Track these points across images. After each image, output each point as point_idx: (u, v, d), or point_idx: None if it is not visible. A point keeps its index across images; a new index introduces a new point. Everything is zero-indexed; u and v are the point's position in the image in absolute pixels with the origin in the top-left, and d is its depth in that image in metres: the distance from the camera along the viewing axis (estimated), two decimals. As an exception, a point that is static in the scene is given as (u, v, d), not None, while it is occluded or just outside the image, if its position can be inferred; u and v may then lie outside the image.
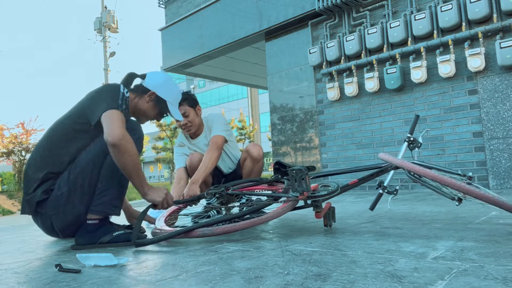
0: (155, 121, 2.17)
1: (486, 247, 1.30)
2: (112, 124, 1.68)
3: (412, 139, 2.00)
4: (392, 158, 1.80)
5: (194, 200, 2.22)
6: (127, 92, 1.88)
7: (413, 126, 2.06)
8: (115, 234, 1.71)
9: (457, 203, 1.66)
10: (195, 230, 1.67)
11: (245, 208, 1.97)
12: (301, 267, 1.15)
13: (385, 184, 2.01)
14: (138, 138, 1.84)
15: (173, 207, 2.23)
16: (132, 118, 2.02)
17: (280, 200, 1.89)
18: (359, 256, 1.26)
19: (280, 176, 2.22)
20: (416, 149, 2.01)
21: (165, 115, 2.10)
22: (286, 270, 1.13)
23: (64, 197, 1.70)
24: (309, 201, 1.83)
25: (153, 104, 2.01)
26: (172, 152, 18.62)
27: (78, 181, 1.70)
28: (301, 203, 1.87)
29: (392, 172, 2.17)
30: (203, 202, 2.36)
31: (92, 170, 1.72)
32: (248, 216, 1.79)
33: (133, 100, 1.99)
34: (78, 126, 1.77)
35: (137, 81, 2.07)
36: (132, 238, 1.69)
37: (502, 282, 0.91)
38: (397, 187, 1.99)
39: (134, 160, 1.69)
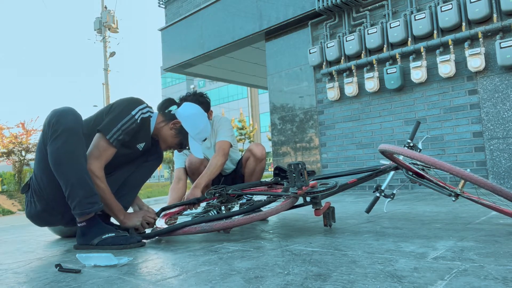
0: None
1: (486, 247, 1.30)
2: (90, 154, 1.74)
3: (412, 144, 2.01)
4: (393, 146, 1.80)
5: (191, 204, 2.21)
6: (146, 112, 1.87)
7: (413, 132, 2.08)
8: (103, 237, 1.67)
9: (453, 199, 1.67)
10: (195, 226, 1.68)
11: (245, 207, 1.97)
12: (301, 267, 1.15)
13: (383, 187, 2.02)
14: (152, 164, 2.04)
15: (175, 209, 2.24)
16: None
17: (279, 199, 1.89)
18: (359, 256, 1.26)
19: (279, 179, 2.23)
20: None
21: (186, 148, 2.07)
22: (286, 270, 1.13)
23: (31, 191, 1.78)
24: (308, 199, 1.83)
25: (174, 133, 2.00)
26: (172, 152, 18.62)
27: (38, 181, 1.74)
28: (300, 200, 1.87)
29: (391, 173, 2.17)
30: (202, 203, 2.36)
31: (41, 176, 1.73)
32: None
33: (159, 124, 1.99)
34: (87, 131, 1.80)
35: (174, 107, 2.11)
36: (121, 241, 1.68)
37: (502, 282, 0.91)
38: (395, 191, 2.00)
39: (102, 195, 1.74)
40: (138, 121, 1.82)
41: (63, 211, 1.74)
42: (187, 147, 2.05)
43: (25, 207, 1.83)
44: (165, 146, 2.04)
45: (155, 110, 2.04)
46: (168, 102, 2.08)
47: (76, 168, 1.63)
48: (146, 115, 1.87)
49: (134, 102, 1.85)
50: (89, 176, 1.68)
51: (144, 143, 1.94)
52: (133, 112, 1.81)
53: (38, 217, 1.80)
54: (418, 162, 1.89)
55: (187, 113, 2.03)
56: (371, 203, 2.21)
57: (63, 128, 1.62)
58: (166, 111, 2.05)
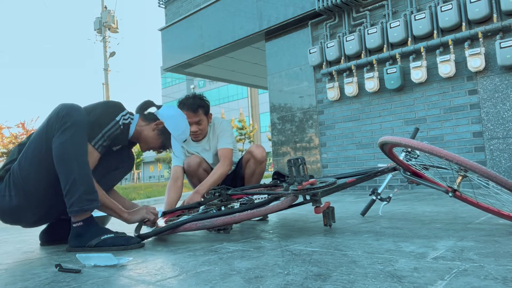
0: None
1: (486, 247, 1.30)
2: None
3: (410, 149, 2.01)
4: (392, 137, 1.80)
5: (192, 208, 2.21)
6: (127, 118, 1.88)
7: (412, 137, 2.08)
8: (102, 237, 1.64)
9: (451, 194, 1.67)
10: (196, 222, 1.68)
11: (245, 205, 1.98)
12: (301, 267, 1.15)
13: (379, 191, 2.02)
14: (124, 170, 2.01)
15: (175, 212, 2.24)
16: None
17: (279, 199, 1.89)
18: (359, 256, 1.26)
19: (278, 182, 2.23)
20: (413, 159, 2.03)
21: (167, 150, 2.08)
22: (286, 270, 1.13)
23: (7, 183, 1.67)
24: (308, 197, 1.83)
25: (157, 134, 1.99)
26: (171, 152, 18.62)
27: (22, 172, 1.65)
28: (300, 199, 1.87)
29: (389, 177, 2.17)
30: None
31: (28, 168, 1.66)
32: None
33: (141, 126, 1.98)
34: None
35: (152, 109, 2.10)
36: (122, 242, 1.66)
37: (502, 282, 0.91)
38: (391, 195, 2.00)
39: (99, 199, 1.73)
40: (122, 127, 1.84)
41: (39, 208, 1.71)
42: (169, 148, 2.06)
43: None
44: (146, 147, 2.04)
45: (134, 113, 2.03)
46: (147, 104, 2.07)
47: (81, 162, 1.63)
48: (127, 121, 1.89)
49: (116, 108, 1.87)
50: (91, 172, 1.68)
51: (119, 146, 1.95)
52: (117, 118, 1.83)
53: (8, 213, 1.69)
54: (417, 163, 1.89)
55: (169, 114, 2.04)
56: (366, 206, 2.22)
57: (73, 122, 1.63)
58: (146, 112, 2.05)
